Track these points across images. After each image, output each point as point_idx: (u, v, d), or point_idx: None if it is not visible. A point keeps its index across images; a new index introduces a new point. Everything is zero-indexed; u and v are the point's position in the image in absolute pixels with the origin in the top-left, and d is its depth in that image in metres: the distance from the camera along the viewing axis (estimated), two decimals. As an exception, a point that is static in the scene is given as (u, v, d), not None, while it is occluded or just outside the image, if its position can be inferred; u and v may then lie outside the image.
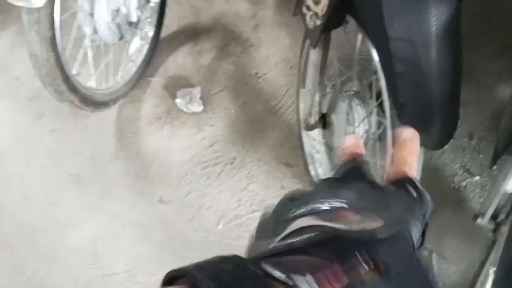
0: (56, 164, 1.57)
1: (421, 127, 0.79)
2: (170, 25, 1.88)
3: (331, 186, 0.34)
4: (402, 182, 0.35)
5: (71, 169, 1.56)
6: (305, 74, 1.13)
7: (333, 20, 0.93)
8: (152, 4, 1.59)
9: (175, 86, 1.72)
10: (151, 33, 1.66)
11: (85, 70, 1.47)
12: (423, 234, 0.34)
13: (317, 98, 1.10)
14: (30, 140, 1.62)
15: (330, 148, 1.24)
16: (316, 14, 0.92)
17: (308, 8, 0.94)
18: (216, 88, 1.71)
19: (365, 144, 1.09)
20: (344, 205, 0.32)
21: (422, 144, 0.83)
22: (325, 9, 0.90)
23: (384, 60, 0.80)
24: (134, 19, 1.45)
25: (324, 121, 1.14)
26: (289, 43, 1.81)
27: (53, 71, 1.27)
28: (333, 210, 0.32)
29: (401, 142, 0.37)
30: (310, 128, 1.15)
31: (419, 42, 0.72)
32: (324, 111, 1.14)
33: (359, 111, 1.04)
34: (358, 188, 0.34)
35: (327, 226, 0.29)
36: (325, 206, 0.32)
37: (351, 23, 0.98)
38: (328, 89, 1.13)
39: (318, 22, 0.93)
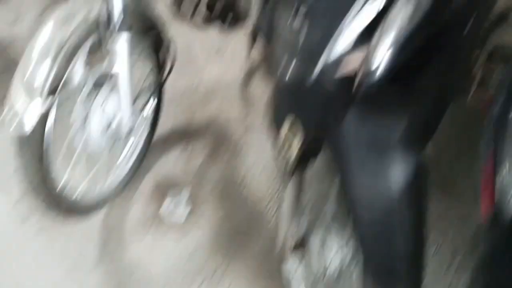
0: (39, 268, 1.55)
1: (383, 272, 0.80)
2: (164, 125, 1.94)
3: None
4: None
5: (54, 276, 1.53)
6: (282, 205, 1.16)
7: (305, 155, 0.97)
8: (145, 114, 1.66)
9: (162, 190, 1.74)
10: (142, 140, 1.71)
11: (74, 180, 1.50)
12: None
13: (294, 223, 1.12)
14: (16, 242, 1.61)
15: (308, 272, 1.23)
16: (290, 146, 0.96)
17: (283, 146, 0.98)
18: (203, 195, 1.73)
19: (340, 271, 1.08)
20: None
21: None
22: (300, 142, 0.93)
23: (352, 211, 0.82)
24: (126, 130, 1.51)
25: (301, 245, 1.14)
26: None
27: (41, 185, 1.30)
28: None
29: None
30: (285, 257, 1.15)
31: (377, 201, 0.75)
32: (301, 235, 1.15)
33: (333, 243, 1.05)
34: None
35: None
36: None
37: (322, 162, 1.02)
38: (305, 217, 1.14)
39: (292, 157, 0.97)
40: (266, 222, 1.64)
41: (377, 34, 0.72)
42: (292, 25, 0.77)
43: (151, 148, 1.85)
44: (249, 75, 2.20)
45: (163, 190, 1.74)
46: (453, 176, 1.68)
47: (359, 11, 0.72)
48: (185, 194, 1.72)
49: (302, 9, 0.74)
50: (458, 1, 0.76)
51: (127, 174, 1.69)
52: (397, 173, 0.75)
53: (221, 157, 1.86)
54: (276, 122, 1.01)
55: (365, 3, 0.72)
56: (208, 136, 1.95)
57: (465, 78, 1.15)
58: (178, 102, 2.09)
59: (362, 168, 0.76)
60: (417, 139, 0.78)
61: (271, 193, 1.72)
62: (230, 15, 1.73)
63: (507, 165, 0.67)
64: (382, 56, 0.71)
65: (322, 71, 0.72)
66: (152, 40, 1.54)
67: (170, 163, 1.85)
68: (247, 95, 2.14)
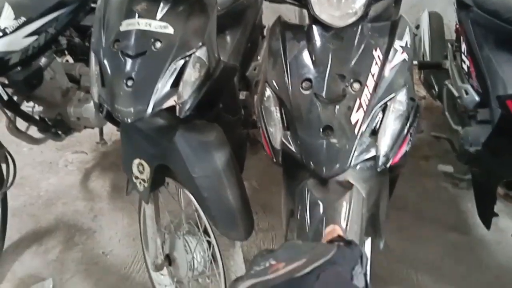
0: None
1: (227, 220, 1.08)
2: (12, 236, 1.90)
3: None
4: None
5: None
6: (145, 228, 1.36)
7: (156, 181, 1.22)
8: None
9: (26, 285, 1.68)
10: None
11: None
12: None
13: (158, 242, 1.32)
14: None
15: (179, 282, 1.41)
16: (143, 179, 1.21)
17: (136, 178, 1.22)
18: (68, 275, 1.74)
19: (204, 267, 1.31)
20: (273, 261, 0.39)
21: (232, 237, 1.11)
22: (148, 175, 1.19)
23: (195, 192, 1.11)
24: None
25: (169, 259, 1.34)
26: (127, 221, 2.00)
27: None
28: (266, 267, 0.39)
29: None
30: (159, 267, 1.32)
31: (211, 174, 1.07)
32: (167, 251, 1.35)
33: (193, 242, 1.29)
34: (289, 245, 0.41)
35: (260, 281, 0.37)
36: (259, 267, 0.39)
37: (171, 183, 1.29)
38: (166, 235, 1.36)
39: (146, 185, 1.21)
40: (134, 276, 1.73)
41: (181, 84, 1.07)
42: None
43: (4, 258, 1.79)
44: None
45: (25, 285, 1.68)
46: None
47: (169, 68, 1.05)
48: (48, 285, 1.69)
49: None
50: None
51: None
52: (218, 155, 1.09)
53: (77, 244, 1.90)
54: (126, 169, 1.25)
55: (171, 63, 1.05)
56: (59, 231, 1.98)
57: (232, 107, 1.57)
58: (22, 212, 2.08)
59: (197, 158, 1.07)
60: (224, 139, 1.15)
61: (132, 257, 1.83)
62: (63, 124, 1.92)
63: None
64: (187, 95, 1.06)
65: (154, 105, 1.03)
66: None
67: (27, 262, 1.80)
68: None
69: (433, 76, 1.98)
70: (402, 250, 1.73)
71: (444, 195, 2.03)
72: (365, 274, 0.41)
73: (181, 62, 0.99)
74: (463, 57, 1.53)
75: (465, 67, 1.53)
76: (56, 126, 1.86)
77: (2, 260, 1.78)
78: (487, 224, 1.42)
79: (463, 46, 1.52)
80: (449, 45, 1.82)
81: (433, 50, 1.99)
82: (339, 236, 0.52)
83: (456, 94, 1.58)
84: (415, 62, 1.73)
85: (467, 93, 1.46)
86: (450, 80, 1.67)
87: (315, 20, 0.86)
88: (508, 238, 1.76)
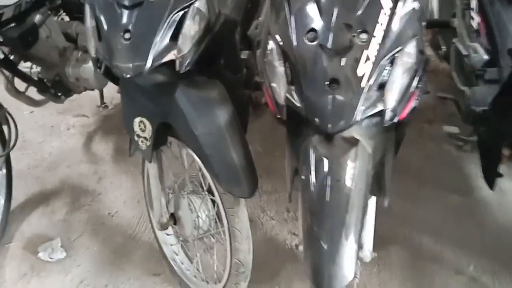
0: None
1: (231, 177, 1.06)
2: (18, 197, 1.91)
3: None
4: None
5: None
6: (149, 188, 1.35)
7: (158, 140, 1.20)
8: (3, 174, 1.64)
9: (34, 244, 1.70)
10: (1, 203, 1.67)
11: None
12: None
13: (163, 201, 1.31)
14: None
15: (184, 241, 1.42)
16: (145, 138, 1.19)
17: (138, 136, 1.20)
18: (75, 235, 1.75)
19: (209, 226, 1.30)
20: None
21: (236, 193, 1.10)
22: (150, 133, 1.17)
23: (198, 150, 1.08)
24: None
25: (174, 218, 1.34)
26: (131, 184, 2.00)
27: None
28: None
29: None
30: (164, 226, 1.32)
31: (214, 132, 1.04)
32: (172, 211, 1.34)
33: (197, 201, 1.28)
34: None
35: None
36: None
37: (174, 143, 1.27)
38: (170, 194, 1.35)
39: (148, 143, 1.19)
40: (139, 237, 1.75)
41: (180, 37, 1.02)
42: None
43: (11, 217, 1.80)
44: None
45: (33, 245, 1.70)
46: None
47: (167, 20, 1.00)
48: (56, 244, 1.71)
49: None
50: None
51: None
52: (221, 112, 1.06)
53: (83, 205, 1.91)
54: (128, 127, 1.23)
55: (169, 14, 1.01)
56: (65, 193, 1.98)
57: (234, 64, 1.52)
58: (27, 175, 2.07)
59: (199, 115, 1.04)
60: (226, 96, 1.11)
61: (138, 218, 1.84)
62: (62, 85, 1.88)
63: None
64: (187, 49, 1.01)
65: (153, 59, 0.99)
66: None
67: (34, 222, 1.82)
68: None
69: (440, 35, 1.91)
70: (403, 212, 1.73)
71: (447, 157, 2.01)
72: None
73: (180, 13, 0.95)
74: (473, 14, 1.47)
75: (474, 24, 1.46)
76: (55, 87, 1.83)
77: (9, 221, 1.80)
78: (491, 184, 1.40)
79: (473, 3, 1.45)
80: (458, 3, 1.74)
81: (441, 8, 1.91)
82: None
83: (464, 53, 1.52)
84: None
85: (475, 52, 1.40)
86: (458, 39, 1.61)
87: (321, -34, 0.81)
88: (509, 200, 1.75)
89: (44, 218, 1.83)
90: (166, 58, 0.97)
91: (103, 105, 2.32)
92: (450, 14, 1.83)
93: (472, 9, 1.49)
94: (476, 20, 1.45)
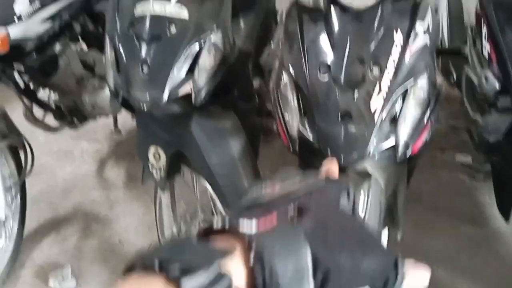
0: None
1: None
2: (30, 223, 1.91)
3: None
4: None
5: None
6: (161, 216, 1.34)
7: (172, 168, 1.21)
8: (18, 201, 1.66)
9: (45, 272, 1.69)
10: (15, 229, 1.68)
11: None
12: None
13: (175, 230, 1.31)
14: None
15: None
16: (159, 167, 1.19)
17: (152, 166, 1.21)
18: (86, 263, 1.74)
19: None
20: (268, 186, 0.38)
21: None
22: (164, 162, 1.18)
23: (211, 179, 1.09)
24: (2, 217, 1.49)
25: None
26: (143, 211, 2.00)
27: None
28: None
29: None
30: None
31: (227, 162, 1.05)
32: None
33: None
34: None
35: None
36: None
37: (187, 171, 1.27)
38: (182, 224, 1.34)
39: (162, 173, 1.20)
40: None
41: (196, 70, 1.04)
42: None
43: (23, 245, 1.80)
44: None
45: (44, 273, 1.69)
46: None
47: (184, 53, 1.02)
48: (67, 272, 1.70)
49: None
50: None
51: (4, 268, 1.61)
52: (234, 143, 1.07)
53: (94, 232, 1.91)
54: (142, 156, 1.24)
55: (186, 47, 1.03)
56: (77, 219, 1.98)
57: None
58: (40, 201, 2.09)
59: (213, 146, 1.05)
60: (239, 126, 1.12)
61: (149, 245, 1.82)
62: (78, 112, 1.92)
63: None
64: (203, 83, 1.03)
65: (170, 92, 1.01)
66: (10, 145, 1.58)
67: (45, 249, 1.82)
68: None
69: (451, 62, 1.91)
70: (416, 242, 1.69)
71: (460, 187, 1.97)
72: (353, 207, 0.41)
73: (196, 46, 0.97)
74: (484, 42, 1.47)
75: (485, 52, 1.47)
76: (72, 114, 1.86)
77: (22, 246, 1.80)
78: (506, 215, 1.37)
79: (484, 31, 1.46)
80: (469, 30, 1.75)
81: (451, 35, 1.92)
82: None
83: (475, 81, 1.52)
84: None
85: (487, 80, 1.40)
86: (469, 67, 1.61)
87: (333, 1, 0.82)
88: (525, 230, 1.71)
89: (55, 244, 1.83)
90: (182, 92, 0.98)
91: (117, 130, 2.35)
92: (461, 40, 1.84)
93: (484, 37, 1.50)
94: (487, 48, 1.46)
